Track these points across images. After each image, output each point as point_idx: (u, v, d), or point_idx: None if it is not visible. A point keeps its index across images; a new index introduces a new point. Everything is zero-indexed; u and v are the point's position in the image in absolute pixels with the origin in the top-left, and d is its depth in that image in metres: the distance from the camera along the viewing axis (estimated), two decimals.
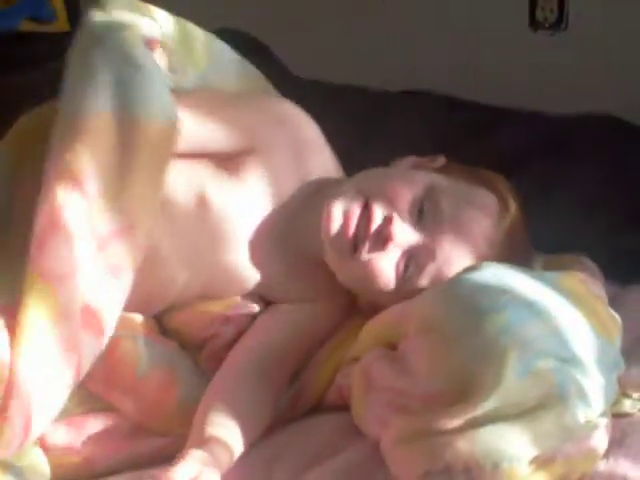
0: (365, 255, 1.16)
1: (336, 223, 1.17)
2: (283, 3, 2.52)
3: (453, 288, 1.08)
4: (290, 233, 1.25)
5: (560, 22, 2.20)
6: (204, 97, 1.29)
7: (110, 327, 1.11)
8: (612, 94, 2.03)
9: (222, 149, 1.24)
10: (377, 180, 1.21)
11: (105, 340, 1.10)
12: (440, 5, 2.34)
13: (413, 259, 1.17)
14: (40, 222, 1.08)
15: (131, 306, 1.21)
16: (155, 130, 1.13)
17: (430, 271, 1.16)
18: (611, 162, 1.80)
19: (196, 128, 1.22)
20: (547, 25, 2.21)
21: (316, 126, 1.30)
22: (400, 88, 2.15)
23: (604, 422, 1.03)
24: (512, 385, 0.97)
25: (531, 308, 1.02)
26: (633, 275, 1.43)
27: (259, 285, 1.27)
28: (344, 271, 1.21)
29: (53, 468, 1.15)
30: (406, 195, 1.17)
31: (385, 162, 1.29)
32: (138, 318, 1.24)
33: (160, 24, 1.24)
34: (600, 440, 1.02)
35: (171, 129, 1.15)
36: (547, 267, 1.31)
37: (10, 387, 1.02)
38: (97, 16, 1.20)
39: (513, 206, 1.21)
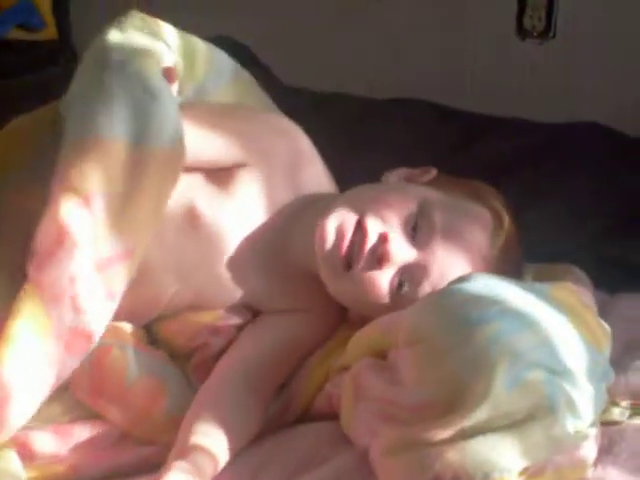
0: (359, 272, 1.16)
1: (330, 240, 1.17)
2: (270, 11, 2.52)
3: (443, 299, 1.08)
4: (281, 246, 1.25)
5: (548, 30, 2.20)
6: (201, 109, 1.29)
7: (92, 347, 1.13)
8: (600, 102, 2.04)
9: (216, 161, 1.24)
10: (370, 197, 1.21)
11: (82, 358, 1.13)
12: (427, 13, 2.35)
13: (408, 275, 1.17)
14: (45, 236, 1.09)
15: (120, 316, 1.21)
16: (163, 157, 1.15)
17: (425, 288, 1.16)
18: (599, 170, 1.80)
19: (194, 140, 1.22)
20: (535, 33, 2.22)
21: (308, 139, 1.30)
22: (387, 96, 2.16)
23: (593, 432, 1.03)
24: (502, 396, 0.97)
25: (521, 319, 1.02)
26: (622, 283, 1.44)
27: (248, 296, 1.26)
28: (337, 286, 1.21)
29: (39, 477, 1.14)
30: (400, 211, 1.17)
31: (372, 172, 1.29)
32: (127, 327, 1.23)
33: (169, 44, 1.24)
34: (589, 450, 1.03)
35: (178, 156, 1.16)
36: (537, 277, 1.32)
37: None
38: (113, 36, 1.20)
39: (507, 221, 1.21)
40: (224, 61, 1.35)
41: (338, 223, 1.17)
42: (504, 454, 0.97)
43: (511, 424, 0.97)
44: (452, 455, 0.97)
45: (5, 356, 1.06)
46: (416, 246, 1.17)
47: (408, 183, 1.26)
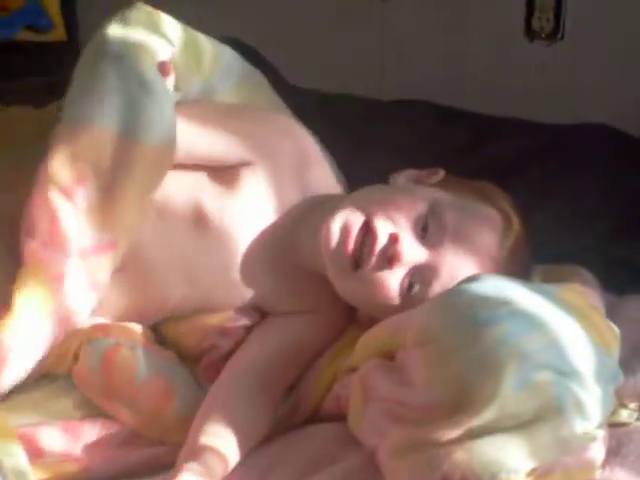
0: (369, 272, 1.16)
1: (335, 239, 1.17)
2: (277, 11, 2.53)
3: (452, 299, 1.08)
4: (289, 247, 1.25)
5: (556, 32, 2.20)
6: (207, 108, 1.30)
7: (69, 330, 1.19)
8: (608, 103, 2.03)
9: (219, 159, 1.25)
10: (378, 198, 1.21)
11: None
12: (432, 14, 2.35)
13: (418, 276, 1.16)
14: (38, 220, 1.13)
15: (127, 316, 1.21)
16: (152, 152, 1.16)
17: (435, 288, 1.16)
18: (606, 171, 1.80)
19: (195, 138, 1.23)
20: (543, 35, 2.22)
21: (315, 141, 1.30)
22: (392, 97, 2.16)
23: (601, 434, 1.03)
24: (510, 397, 0.97)
25: (530, 320, 1.02)
26: (630, 284, 1.43)
27: (256, 297, 1.27)
28: (345, 286, 1.21)
29: (49, 477, 1.15)
30: (409, 212, 1.17)
31: (378, 172, 1.28)
32: (137, 328, 1.24)
33: (170, 38, 1.24)
34: (597, 451, 1.03)
35: (167, 152, 1.18)
36: (545, 278, 1.31)
37: None
38: (114, 30, 1.21)
39: (516, 222, 1.21)
40: (233, 60, 1.35)
41: (343, 222, 1.17)
42: (512, 455, 0.97)
43: (519, 425, 0.97)
44: (460, 455, 0.98)
45: (8, 325, 1.12)
46: (426, 247, 1.17)
47: (416, 184, 1.26)
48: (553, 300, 1.06)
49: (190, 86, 1.29)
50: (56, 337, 1.17)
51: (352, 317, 1.28)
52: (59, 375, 1.22)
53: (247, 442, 1.14)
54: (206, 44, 1.31)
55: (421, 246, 1.17)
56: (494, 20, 2.25)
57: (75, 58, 1.23)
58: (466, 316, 1.03)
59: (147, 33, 1.22)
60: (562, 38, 2.20)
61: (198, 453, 1.09)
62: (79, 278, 1.16)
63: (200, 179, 1.24)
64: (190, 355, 1.26)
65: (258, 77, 1.39)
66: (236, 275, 1.24)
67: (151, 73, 1.19)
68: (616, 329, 1.11)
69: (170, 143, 1.18)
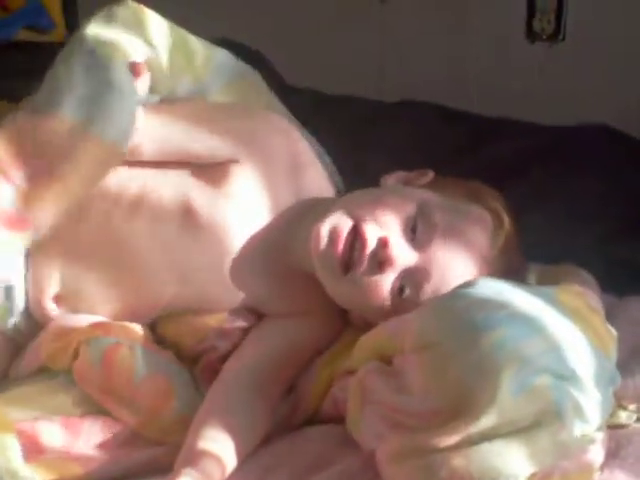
0: (360, 276, 1.16)
1: (324, 243, 1.17)
2: (278, 12, 2.53)
3: (448, 304, 1.07)
4: (282, 249, 1.25)
5: (557, 33, 2.20)
6: (198, 106, 1.30)
7: None
8: (609, 105, 2.03)
9: (206, 157, 1.25)
10: (367, 201, 1.20)
11: None
12: (435, 15, 2.35)
13: (409, 279, 1.16)
14: None
15: (121, 315, 1.22)
16: (103, 147, 1.18)
17: (427, 290, 1.16)
18: (607, 173, 1.80)
19: (179, 135, 1.25)
20: (544, 36, 2.22)
21: (308, 141, 1.30)
22: (396, 98, 2.16)
23: (600, 436, 1.02)
24: (508, 402, 0.97)
25: (528, 324, 1.02)
26: (629, 286, 1.43)
27: (251, 299, 1.26)
28: (336, 290, 1.21)
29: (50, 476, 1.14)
30: (398, 214, 1.17)
31: (378, 174, 1.28)
32: (137, 327, 1.24)
33: (152, 38, 1.24)
34: (596, 454, 1.02)
35: (118, 150, 1.19)
36: (543, 278, 1.31)
37: None
38: (94, 27, 1.22)
39: (507, 222, 1.20)
40: (226, 60, 1.35)
41: (332, 226, 1.17)
42: (510, 460, 0.97)
43: (518, 430, 0.97)
44: (458, 461, 0.97)
45: None
46: (416, 249, 1.16)
47: (406, 186, 1.25)
48: (551, 302, 1.06)
49: (180, 85, 1.29)
50: None
51: (347, 319, 1.28)
52: (58, 371, 1.22)
53: (245, 446, 1.14)
54: (196, 44, 1.30)
55: (411, 248, 1.16)
56: (495, 21, 2.25)
57: None
58: (463, 321, 1.03)
59: (127, 31, 1.23)
60: (563, 39, 2.20)
61: (196, 458, 1.09)
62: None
63: (188, 176, 1.25)
64: (188, 355, 1.25)
65: (253, 76, 1.39)
66: (228, 274, 1.24)
67: (119, 71, 1.19)
68: (614, 331, 1.11)
69: (122, 142, 1.19)
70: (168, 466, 1.10)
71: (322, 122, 1.90)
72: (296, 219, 1.24)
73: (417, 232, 1.16)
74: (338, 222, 1.17)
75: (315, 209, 1.23)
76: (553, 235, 1.56)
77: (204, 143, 1.25)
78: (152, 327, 1.27)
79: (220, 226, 1.23)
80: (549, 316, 1.04)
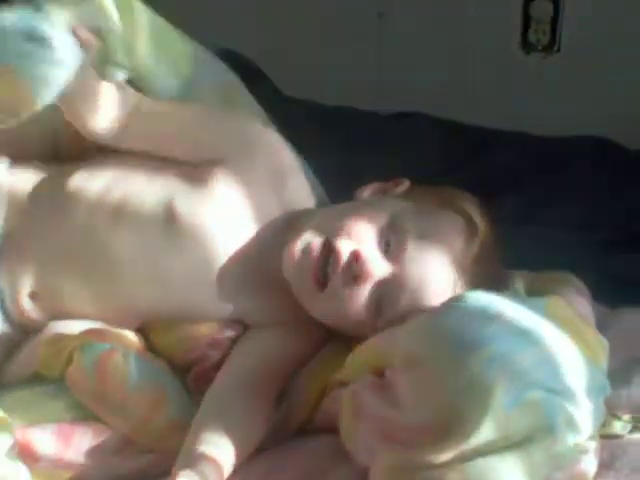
0: (333, 291, 1.16)
1: (296, 262, 1.18)
2: (276, 25, 2.54)
3: (437, 321, 1.06)
4: (266, 261, 1.24)
5: (553, 44, 2.21)
6: (182, 105, 1.30)
7: None
8: (604, 116, 2.04)
9: (192, 152, 1.26)
10: (340, 215, 1.20)
11: None
12: (432, 28, 2.35)
13: (384, 289, 1.16)
14: None
15: (97, 316, 1.23)
16: (12, 86, 1.13)
17: (403, 301, 1.16)
18: (602, 184, 1.80)
19: (169, 125, 1.26)
20: (540, 47, 2.22)
21: (290, 151, 1.29)
22: (392, 110, 2.16)
23: (593, 446, 1.02)
24: (500, 419, 0.96)
25: (519, 337, 1.01)
26: (624, 298, 1.43)
27: (236, 310, 1.26)
28: (314, 307, 1.21)
29: None
30: (372, 227, 1.17)
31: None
32: (130, 335, 1.24)
33: (112, 16, 1.22)
34: (589, 464, 1.02)
35: (25, 100, 1.14)
36: (534, 284, 1.31)
37: None
38: None
39: (482, 226, 1.20)
40: (210, 63, 1.35)
41: (305, 245, 1.18)
42: (505, 475, 0.97)
43: (511, 445, 0.97)
44: (454, 477, 0.97)
45: None
46: (390, 259, 1.16)
47: (381, 197, 1.26)
48: (541, 313, 1.06)
49: (162, 79, 1.29)
50: None
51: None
52: (51, 377, 1.22)
53: (242, 450, 1.13)
54: (176, 42, 1.30)
55: (385, 260, 1.16)
56: (491, 33, 2.26)
57: None
58: (452, 339, 1.02)
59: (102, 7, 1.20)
60: (558, 51, 2.21)
61: (194, 461, 1.09)
62: None
63: (172, 178, 1.25)
64: (179, 364, 1.25)
65: (232, 75, 1.39)
66: (210, 281, 1.24)
67: (53, 28, 1.15)
68: (604, 340, 1.11)
69: (37, 92, 1.13)
70: (160, 474, 1.10)
71: (319, 133, 1.91)
72: (280, 231, 1.24)
73: (390, 243, 1.17)
74: (311, 239, 1.18)
75: (298, 222, 1.23)
76: (548, 246, 1.56)
77: (191, 136, 1.26)
78: (144, 336, 1.27)
79: (202, 231, 1.23)
80: (540, 328, 1.03)
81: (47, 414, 1.18)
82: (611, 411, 1.09)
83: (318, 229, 1.19)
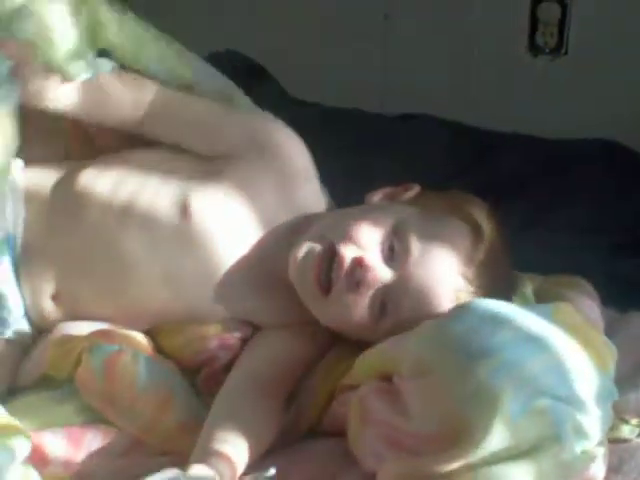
0: (337, 297, 1.17)
1: (301, 267, 1.18)
2: (282, 26, 2.54)
3: (444, 330, 1.06)
4: (273, 263, 1.24)
5: (560, 47, 2.21)
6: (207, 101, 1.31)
7: None
8: (612, 119, 2.04)
9: (206, 147, 1.26)
10: (344, 221, 1.20)
11: None
12: (438, 30, 2.35)
13: (387, 295, 1.16)
14: None
15: (113, 317, 1.22)
16: None
17: (405, 307, 1.15)
18: (610, 187, 1.80)
19: (187, 115, 1.27)
20: (547, 50, 2.22)
21: (307, 155, 1.29)
22: (398, 112, 2.16)
23: (602, 451, 1.02)
24: (507, 427, 0.96)
25: (527, 345, 1.01)
26: (633, 301, 1.42)
27: (245, 311, 1.27)
28: (320, 312, 1.21)
29: None
30: (376, 233, 1.17)
31: (379, 187, 1.28)
32: (139, 336, 1.24)
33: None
34: (598, 469, 1.01)
35: None
36: (543, 287, 1.31)
37: None
38: None
39: (488, 232, 1.19)
40: (206, 68, 1.35)
41: (309, 251, 1.18)
42: None
43: (520, 453, 0.97)
44: None
45: None
46: (393, 266, 1.16)
47: (389, 202, 1.26)
48: (549, 320, 1.05)
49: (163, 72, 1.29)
50: None
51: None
52: (60, 379, 1.21)
53: (254, 450, 1.13)
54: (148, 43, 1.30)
55: (388, 266, 1.16)
56: (498, 35, 2.25)
57: None
58: (459, 349, 1.02)
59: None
60: (566, 53, 2.21)
61: (208, 457, 1.09)
62: None
63: (185, 177, 1.25)
64: (187, 366, 1.25)
65: (233, 86, 1.38)
66: (220, 281, 1.24)
67: None
68: (613, 345, 1.10)
69: None
70: None
71: (325, 135, 1.91)
72: (288, 234, 1.24)
73: (394, 249, 1.16)
74: (315, 244, 1.18)
75: (306, 225, 1.23)
76: (554, 250, 1.56)
77: (210, 126, 1.27)
78: (153, 338, 1.27)
79: (214, 230, 1.23)
80: (549, 334, 1.03)
81: (57, 418, 1.18)
82: (619, 415, 1.09)
83: (324, 233, 1.19)
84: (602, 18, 2.13)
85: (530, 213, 1.75)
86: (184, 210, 1.23)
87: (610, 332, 1.16)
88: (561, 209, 1.76)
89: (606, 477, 1.03)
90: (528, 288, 1.31)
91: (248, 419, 1.15)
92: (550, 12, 2.18)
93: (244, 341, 1.27)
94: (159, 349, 1.26)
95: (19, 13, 1.20)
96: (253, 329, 1.28)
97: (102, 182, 1.27)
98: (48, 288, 1.27)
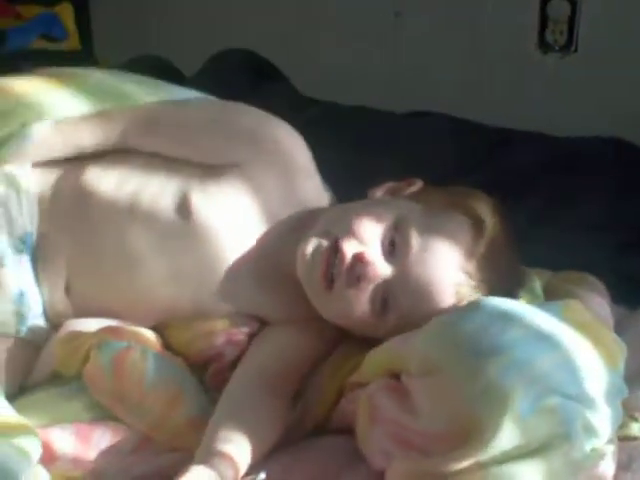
0: (339, 292, 1.17)
1: (308, 263, 1.19)
2: (293, 25, 2.54)
3: (453, 328, 1.06)
4: (278, 259, 1.25)
5: (570, 44, 2.20)
6: (208, 104, 1.31)
7: None
8: (621, 117, 2.03)
9: (210, 158, 1.26)
10: (346, 216, 1.20)
11: None
12: (450, 27, 2.35)
13: (388, 291, 1.16)
14: None
15: (121, 313, 1.23)
16: None
17: (407, 301, 1.16)
18: (620, 184, 1.80)
19: (187, 132, 1.28)
20: (557, 47, 2.22)
21: (307, 150, 1.29)
22: (408, 109, 2.16)
23: (611, 449, 1.02)
24: (517, 425, 0.96)
25: (536, 343, 1.01)
26: (637, 298, 1.42)
27: (251, 307, 1.27)
28: (323, 307, 1.22)
29: None
30: (377, 228, 1.18)
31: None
32: (147, 332, 1.25)
33: None
34: (608, 467, 1.02)
35: None
36: (551, 283, 1.31)
37: None
38: None
39: (490, 226, 1.18)
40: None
41: (314, 246, 1.19)
42: None
43: (530, 452, 0.97)
44: None
45: None
46: (394, 261, 1.16)
47: (391, 197, 1.26)
48: (559, 318, 1.05)
49: None
50: None
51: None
52: (68, 376, 1.22)
53: (259, 448, 1.14)
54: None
55: (388, 261, 1.17)
56: (507, 33, 2.25)
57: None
58: (468, 347, 1.02)
59: None
60: (575, 51, 2.20)
61: (210, 458, 1.09)
62: None
63: (187, 174, 1.26)
64: (195, 362, 1.26)
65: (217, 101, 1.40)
66: (224, 276, 1.25)
67: None
68: (622, 343, 1.10)
69: None
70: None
71: (336, 133, 1.91)
72: (292, 229, 1.25)
73: (395, 245, 1.17)
74: (320, 240, 1.19)
75: (310, 220, 1.23)
76: (562, 248, 1.55)
77: (210, 142, 1.27)
78: (159, 335, 1.28)
79: (216, 226, 1.24)
80: (559, 332, 1.03)
81: (65, 414, 1.19)
82: (629, 413, 1.09)
83: (329, 228, 1.20)
84: (612, 15, 2.13)
85: (539, 210, 1.75)
86: (185, 207, 1.24)
87: (619, 329, 1.16)
88: (570, 207, 1.76)
89: (615, 475, 1.03)
90: (537, 283, 1.31)
91: (253, 419, 1.15)
92: (560, 10, 2.18)
93: (251, 336, 1.27)
94: (167, 345, 1.26)
95: None
96: (260, 324, 1.29)
97: (106, 180, 1.28)
98: (61, 283, 1.28)
